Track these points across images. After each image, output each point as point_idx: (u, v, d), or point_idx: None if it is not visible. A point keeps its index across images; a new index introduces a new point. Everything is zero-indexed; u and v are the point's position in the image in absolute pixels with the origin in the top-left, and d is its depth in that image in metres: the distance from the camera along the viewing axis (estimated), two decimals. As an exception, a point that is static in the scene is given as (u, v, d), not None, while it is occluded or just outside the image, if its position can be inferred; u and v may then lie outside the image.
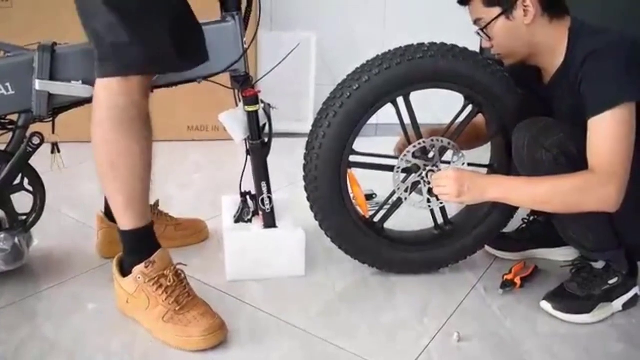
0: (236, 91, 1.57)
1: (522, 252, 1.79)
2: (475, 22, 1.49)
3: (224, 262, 1.62)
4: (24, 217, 1.54)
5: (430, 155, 1.58)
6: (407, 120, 1.57)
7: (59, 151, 1.56)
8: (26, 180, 1.52)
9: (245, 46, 1.49)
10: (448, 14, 2.91)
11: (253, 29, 1.55)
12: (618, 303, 1.52)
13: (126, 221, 1.36)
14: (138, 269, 1.36)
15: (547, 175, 1.38)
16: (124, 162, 1.30)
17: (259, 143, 1.56)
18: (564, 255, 1.74)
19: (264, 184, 1.59)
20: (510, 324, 1.47)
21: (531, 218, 1.83)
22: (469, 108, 1.60)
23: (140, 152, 1.31)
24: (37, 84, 1.39)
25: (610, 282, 1.51)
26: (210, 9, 1.50)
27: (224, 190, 1.84)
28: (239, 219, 1.66)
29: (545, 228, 1.75)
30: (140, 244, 1.38)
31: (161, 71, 1.34)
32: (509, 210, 1.68)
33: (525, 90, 1.58)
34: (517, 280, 1.60)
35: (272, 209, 1.62)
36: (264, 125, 1.56)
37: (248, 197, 1.66)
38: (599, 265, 1.52)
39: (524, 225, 1.83)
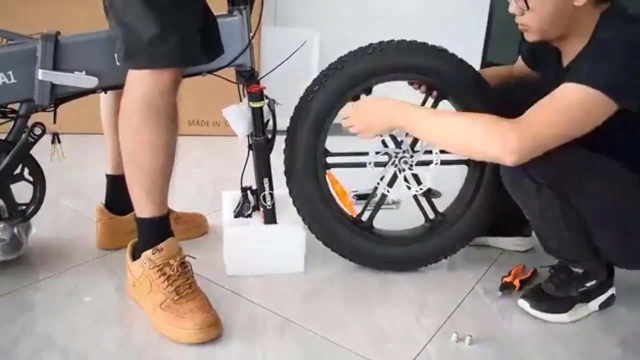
0: (241, 86, 1.56)
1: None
2: None
3: (223, 256, 1.62)
4: (24, 207, 1.53)
5: (400, 139, 1.60)
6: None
7: (59, 142, 1.55)
8: (26, 170, 1.51)
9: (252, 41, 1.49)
10: (452, 11, 2.97)
11: (256, 24, 1.54)
12: (594, 304, 1.53)
13: (144, 209, 1.38)
14: (146, 254, 1.38)
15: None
16: (148, 152, 1.32)
17: (263, 139, 1.55)
18: (515, 245, 1.82)
19: (266, 181, 1.59)
20: (509, 326, 1.47)
21: None
22: (432, 96, 1.61)
23: (165, 144, 1.33)
24: (40, 74, 1.37)
25: (588, 284, 1.52)
26: (217, 2, 1.50)
27: (225, 185, 1.84)
28: (238, 213, 1.66)
29: (498, 219, 1.70)
30: (153, 231, 1.39)
31: (191, 64, 1.35)
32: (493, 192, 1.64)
33: (543, 72, 1.56)
34: (516, 283, 1.60)
35: (273, 205, 1.61)
36: (268, 121, 1.56)
37: (248, 192, 1.66)
38: (579, 269, 1.53)
39: None
